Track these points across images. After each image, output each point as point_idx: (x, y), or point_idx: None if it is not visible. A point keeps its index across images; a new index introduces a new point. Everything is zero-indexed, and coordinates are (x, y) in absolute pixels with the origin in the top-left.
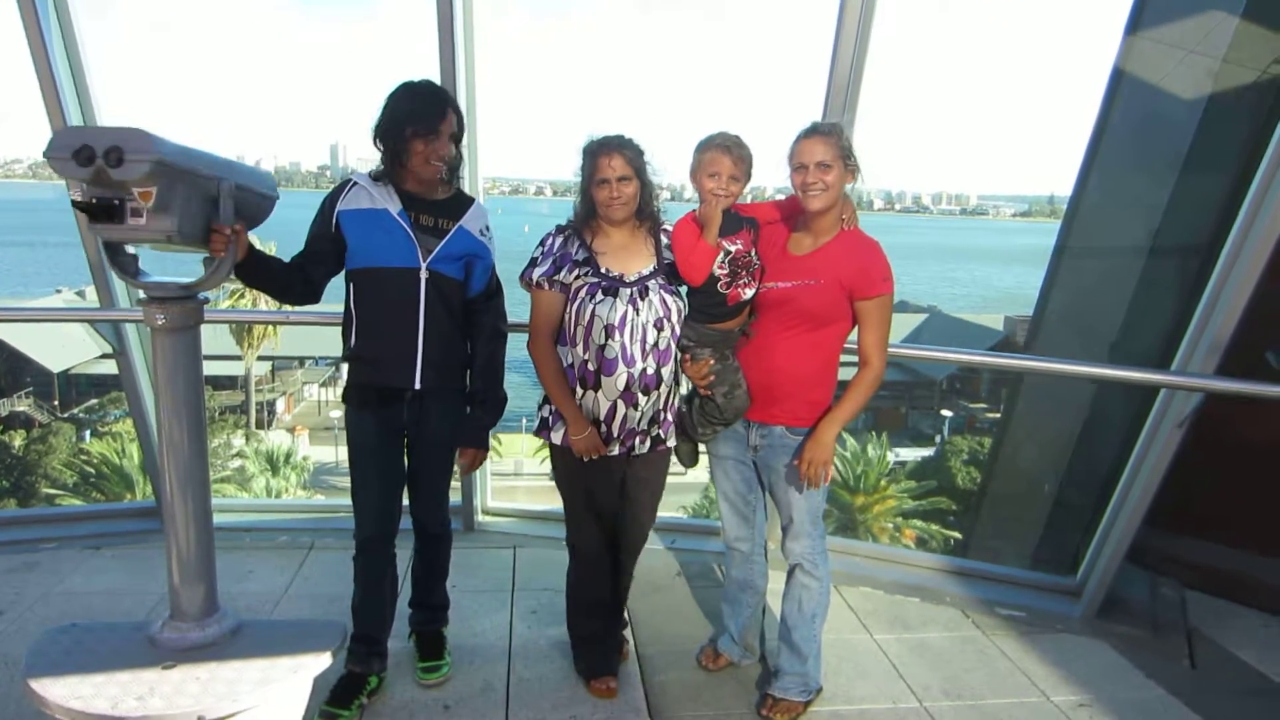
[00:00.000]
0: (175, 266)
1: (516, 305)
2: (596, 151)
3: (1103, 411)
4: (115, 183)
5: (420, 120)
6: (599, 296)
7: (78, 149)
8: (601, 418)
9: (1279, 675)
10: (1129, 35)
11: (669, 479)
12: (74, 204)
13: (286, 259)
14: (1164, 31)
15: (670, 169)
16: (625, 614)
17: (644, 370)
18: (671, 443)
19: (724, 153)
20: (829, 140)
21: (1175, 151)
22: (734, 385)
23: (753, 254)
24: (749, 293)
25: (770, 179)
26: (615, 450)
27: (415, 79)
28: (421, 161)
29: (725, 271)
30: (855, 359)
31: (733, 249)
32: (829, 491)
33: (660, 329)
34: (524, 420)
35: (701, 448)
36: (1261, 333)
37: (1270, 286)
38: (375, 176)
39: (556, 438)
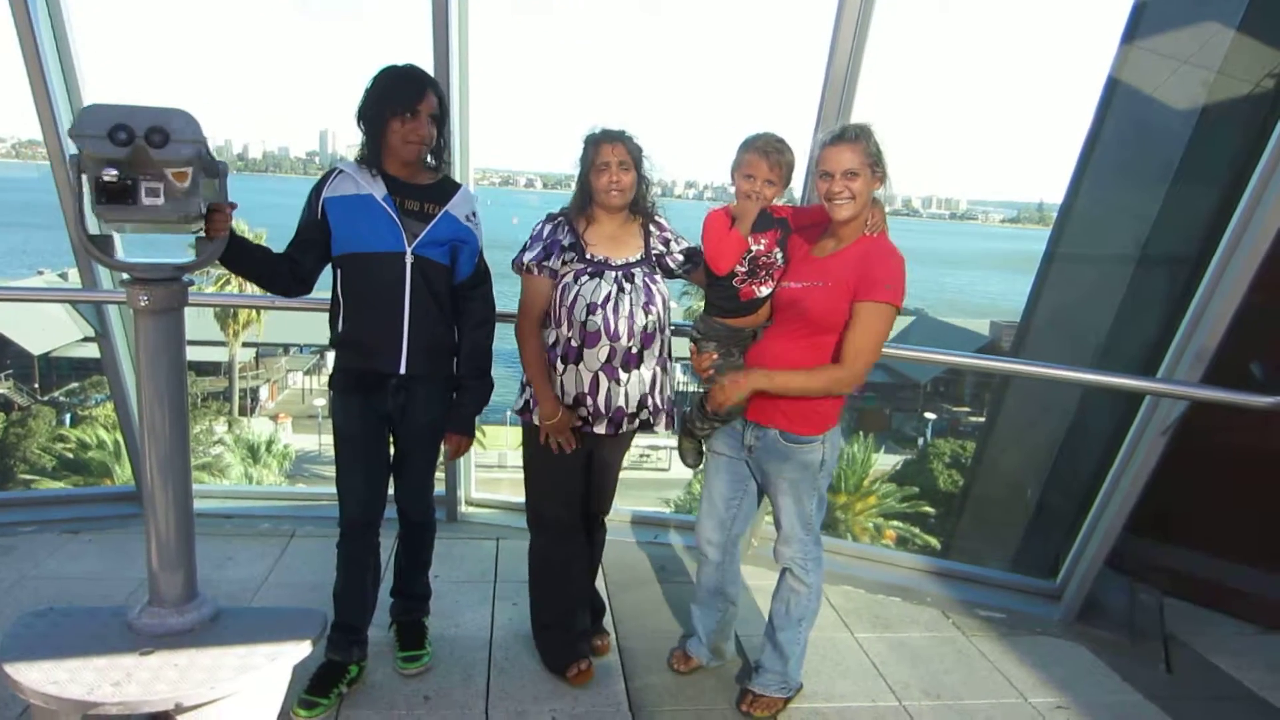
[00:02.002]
0: (146, 248)
1: (502, 298)
2: (600, 139)
3: (1087, 417)
4: (150, 163)
5: (398, 100)
6: (584, 279)
7: (114, 128)
8: (585, 390)
9: (1254, 682)
10: (1125, 44)
11: (652, 475)
12: (103, 185)
13: (277, 248)
14: (1160, 42)
15: (664, 165)
16: (607, 608)
17: (629, 348)
18: (659, 427)
19: (762, 156)
20: (856, 146)
21: (1167, 162)
22: None
23: (775, 254)
24: (764, 291)
25: None
26: (602, 428)
27: (399, 63)
28: (400, 141)
29: (744, 268)
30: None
31: (755, 248)
32: (825, 501)
33: (648, 312)
34: (508, 413)
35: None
36: (1247, 343)
37: (1257, 298)
38: (360, 160)
39: (538, 419)
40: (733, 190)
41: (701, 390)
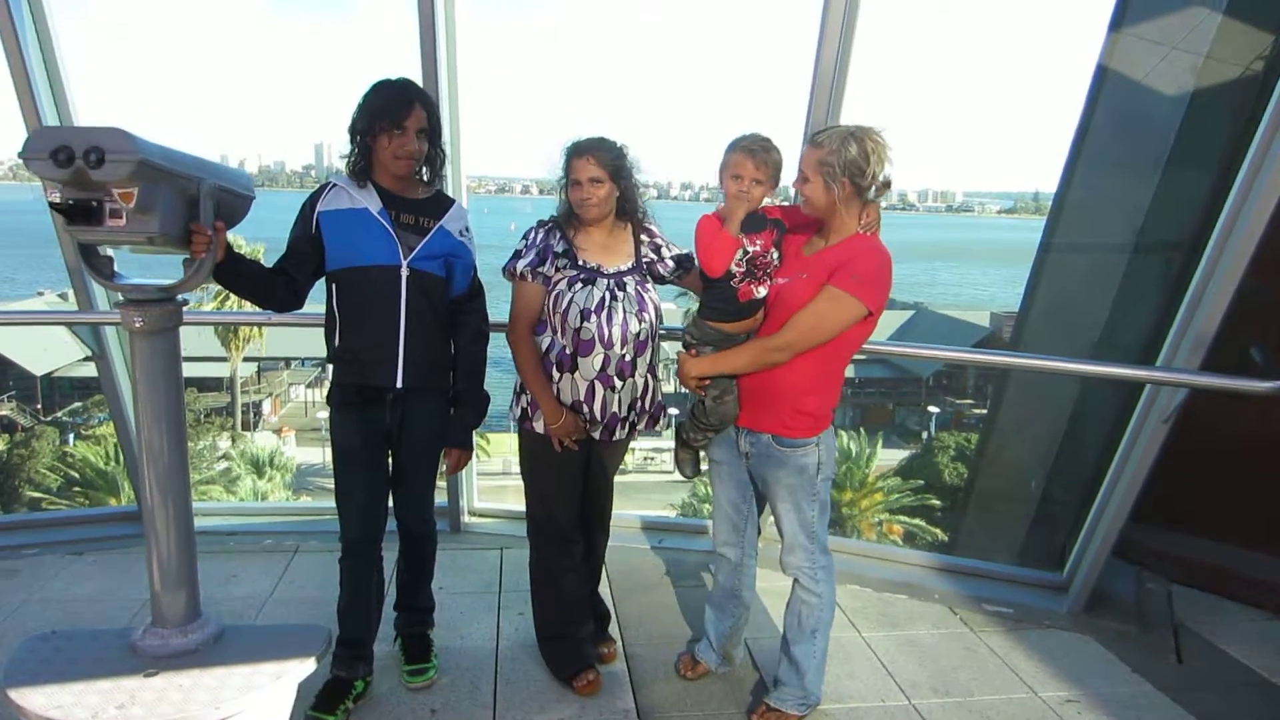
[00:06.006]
0: (154, 268)
1: (496, 305)
2: (571, 154)
3: (1088, 407)
4: (95, 183)
5: (385, 115)
6: (577, 286)
7: (55, 149)
8: (581, 399)
9: (1264, 669)
10: (1112, 32)
11: (657, 479)
12: (51, 206)
13: (271, 263)
14: (1147, 28)
15: (656, 168)
16: (613, 615)
17: (622, 356)
18: (642, 426)
19: (749, 156)
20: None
21: (1159, 148)
22: (725, 391)
23: (772, 254)
24: (762, 291)
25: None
26: (598, 434)
27: (392, 77)
28: (389, 157)
29: (741, 269)
30: (857, 366)
31: (751, 249)
32: (829, 508)
33: (641, 320)
34: (511, 420)
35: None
36: (1245, 328)
37: (1254, 282)
38: (352, 175)
39: (539, 427)
40: (723, 192)
41: (691, 402)
